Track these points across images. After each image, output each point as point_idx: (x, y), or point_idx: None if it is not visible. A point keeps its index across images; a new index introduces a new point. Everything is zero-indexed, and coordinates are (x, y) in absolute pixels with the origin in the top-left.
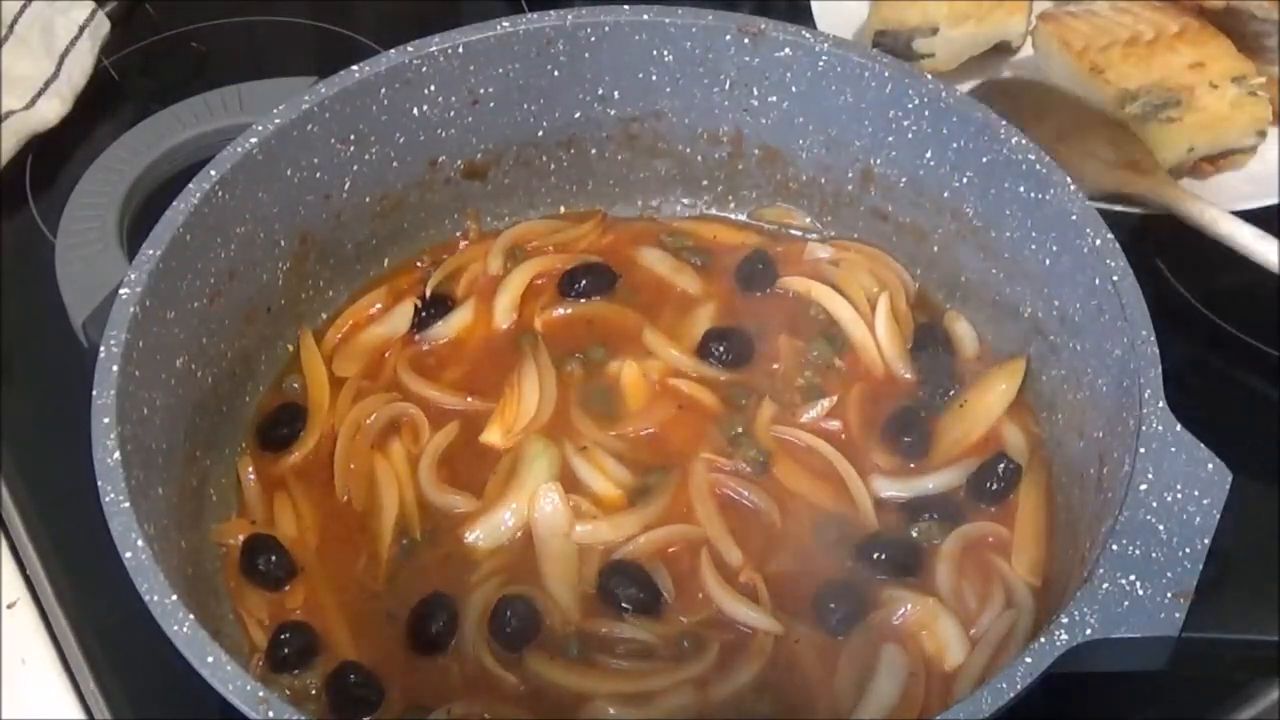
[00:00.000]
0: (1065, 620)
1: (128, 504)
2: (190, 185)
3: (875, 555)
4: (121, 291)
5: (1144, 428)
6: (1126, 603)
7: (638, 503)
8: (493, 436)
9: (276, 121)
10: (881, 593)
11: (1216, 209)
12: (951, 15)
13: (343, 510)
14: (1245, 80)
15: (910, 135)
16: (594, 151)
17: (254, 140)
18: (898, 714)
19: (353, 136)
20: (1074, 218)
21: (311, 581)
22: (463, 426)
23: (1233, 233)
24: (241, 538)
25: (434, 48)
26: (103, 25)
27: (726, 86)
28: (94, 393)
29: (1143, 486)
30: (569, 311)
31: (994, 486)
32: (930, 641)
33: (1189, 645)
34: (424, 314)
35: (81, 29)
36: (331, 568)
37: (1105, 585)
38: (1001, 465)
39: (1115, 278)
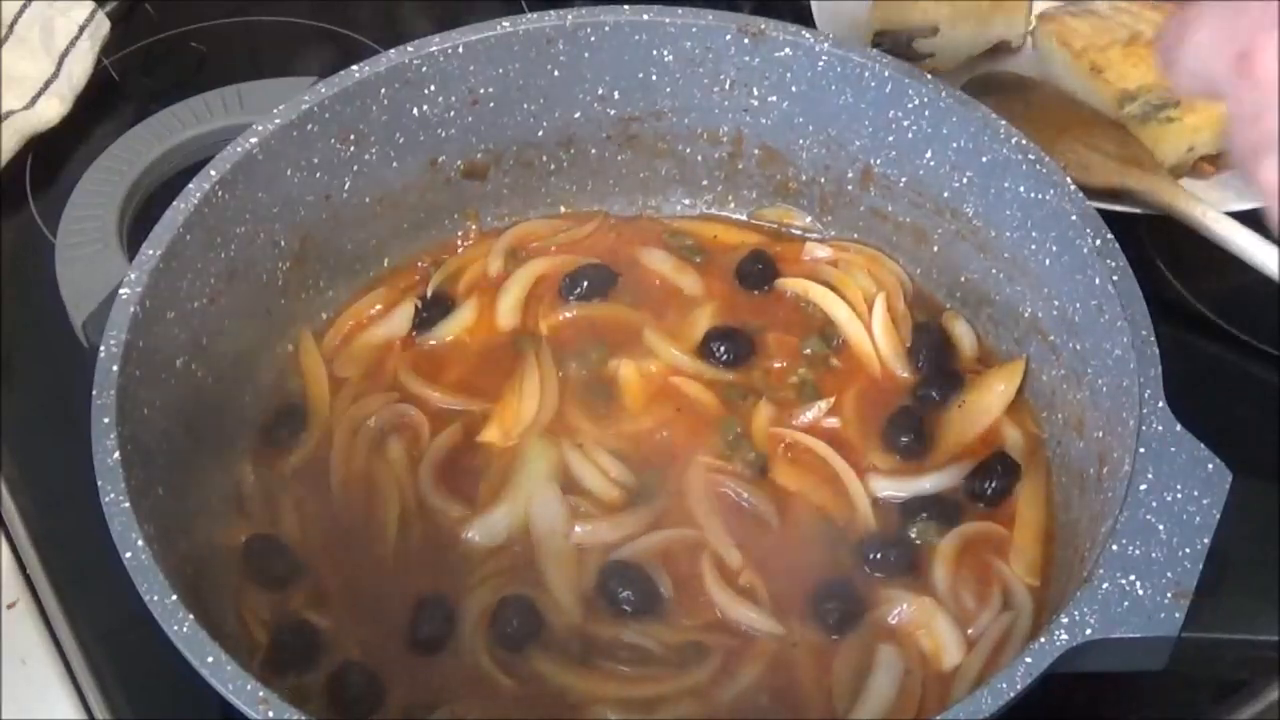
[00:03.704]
0: (1065, 620)
1: (128, 504)
2: (190, 185)
3: (873, 555)
4: (121, 291)
5: (1144, 428)
6: (1126, 603)
7: (637, 503)
8: (491, 436)
9: (276, 121)
10: (879, 592)
11: (1216, 211)
12: (952, 15)
13: (344, 510)
14: None
15: (910, 135)
16: (594, 151)
17: (254, 140)
18: (895, 714)
19: (353, 136)
20: (1074, 218)
21: (313, 581)
22: (463, 428)
23: (1232, 235)
24: (242, 538)
25: (434, 48)
26: (103, 25)
27: (726, 86)
28: (94, 393)
29: (1143, 486)
30: (572, 314)
31: (992, 486)
32: (927, 641)
33: (1189, 645)
34: (424, 314)
35: (81, 29)
36: (333, 567)
37: (1105, 585)
38: (1000, 465)
39: (1115, 278)
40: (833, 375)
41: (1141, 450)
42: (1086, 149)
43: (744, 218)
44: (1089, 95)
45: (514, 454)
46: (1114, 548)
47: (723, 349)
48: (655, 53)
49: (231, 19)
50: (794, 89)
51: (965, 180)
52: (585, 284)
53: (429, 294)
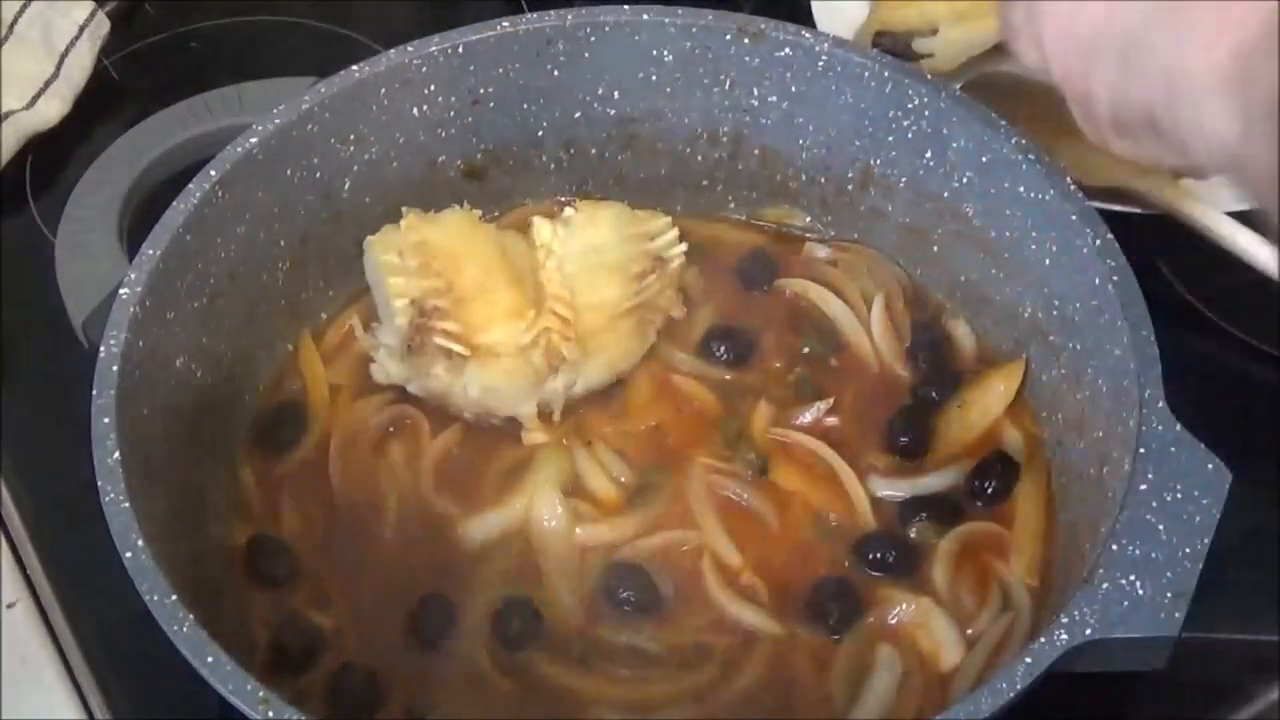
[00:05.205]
0: (1065, 620)
1: (127, 504)
2: (190, 185)
3: (872, 555)
4: (121, 291)
5: (1144, 428)
6: (1126, 603)
7: (637, 503)
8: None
9: (276, 121)
10: (878, 592)
11: (1216, 211)
12: (951, 15)
13: (344, 510)
14: None
15: (910, 135)
16: (594, 151)
17: (254, 140)
18: (894, 714)
19: (353, 136)
20: (1074, 218)
21: (313, 581)
22: (464, 429)
23: (1232, 235)
24: (242, 538)
25: (434, 48)
26: (103, 25)
27: (726, 86)
28: (94, 393)
29: (1143, 486)
30: None
31: (992, 487)
32: (926, 641)
33: (1189, 645)
34: None
35: (81, 29)
36: (333, 568)
37: (1105, 585)
38: (999, 465)
39: (1115, 278)
40: (832, 375)
41: (1141, 450)
42: (1086, 149)
43: (744, 218)
44: None
45: (518, 455)
46: (1114, 548)
47: (722, 349)
48: (655, 53)
49: (231, 19)
50: (794, 89)
51: (965, 180)
52: None
53: None
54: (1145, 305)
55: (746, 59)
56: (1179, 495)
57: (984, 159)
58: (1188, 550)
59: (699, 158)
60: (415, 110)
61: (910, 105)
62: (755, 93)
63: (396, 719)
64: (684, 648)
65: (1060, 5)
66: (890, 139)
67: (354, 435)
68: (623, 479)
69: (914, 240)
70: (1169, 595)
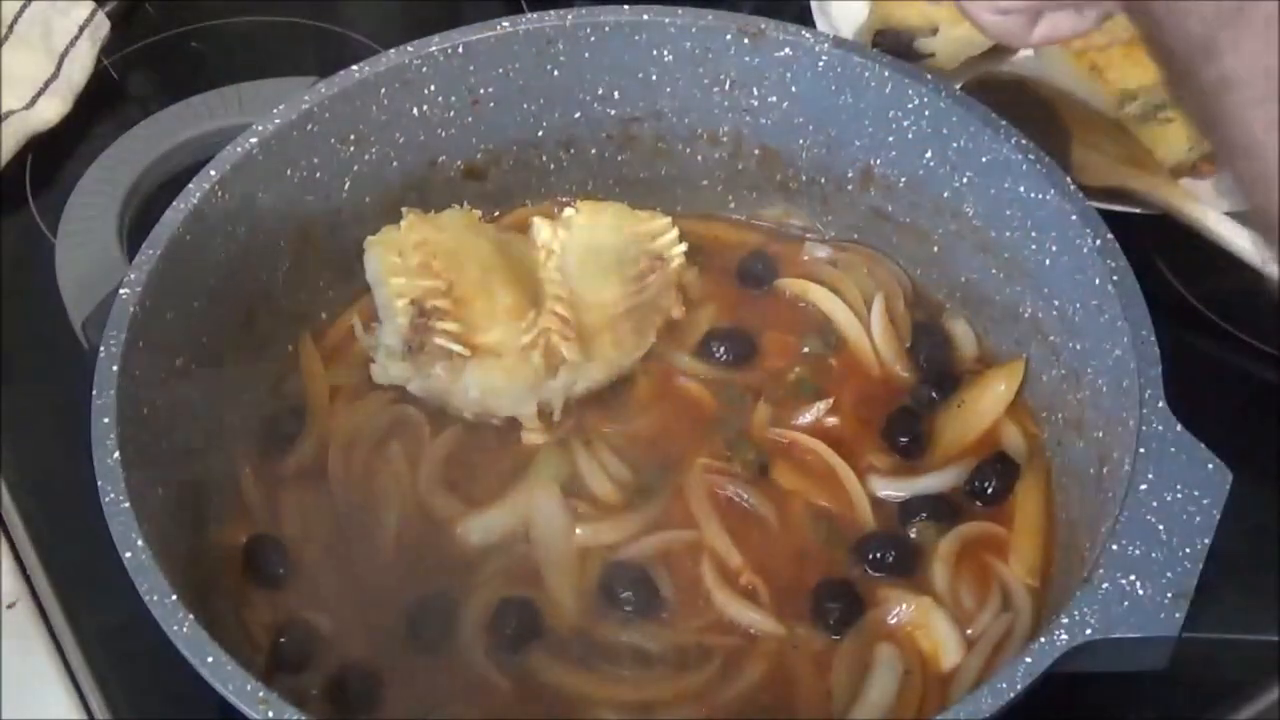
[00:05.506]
0: (1065, 620)
1: (128, 504)
2: (190, 185)
3: (872, 555)
4: (121, 291)
5: (1144, 428)
6: (1126, 603)
7: (637, 504)
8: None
9: (276, 121)
10: (878, 592)
11: (1216, 211)
12: (952, 15)
13: (344, 510)
14: None
15: (910, 135)
16: (594, 151)
17: (254, 140)
18: (894, 714)
19: (353, 136)
20: (1074, 218)
21: (313, 581)
22: (464, 429)
23: (1232, 236)
24: (242, 538)
25: (434, 48)
26: (103, 25)
27: (726, 86)
28: (94, 393)
29: (1143, 486)
30: None
31: (991, 487)
32: (925, 641)
33: (1189, 645)
34: None
35: (81, 29)
36: (333, 568)
37: (1105, 585)
38: (999, 465)
39: (1115, 278)
40: (832, 375)
41: (1141, 450)
42: (1086, 149)
43: (744, 218)
44: (1089, 95)
45: (519, 455)
46: (1114, 548)
47: (722, 349)
48: (655, 53)
49: (231, 19)
50: (794, 89)
51: (965, 180)
52: None
53: None
54: (1145, 305)
55: (746, 59)
56: (1179, 495)
57: (984, 159)
58: (1188, 550)
59: (699, 158)
60: (415, 110)
61: (910, 105)
62: (755, 93)
63: (396, 719)
64: (684, 648)
65: None
66: (890, 139)
67: (354, 435)
68: (623, 479)
69: (914, 240)
70: (1169, 595)
